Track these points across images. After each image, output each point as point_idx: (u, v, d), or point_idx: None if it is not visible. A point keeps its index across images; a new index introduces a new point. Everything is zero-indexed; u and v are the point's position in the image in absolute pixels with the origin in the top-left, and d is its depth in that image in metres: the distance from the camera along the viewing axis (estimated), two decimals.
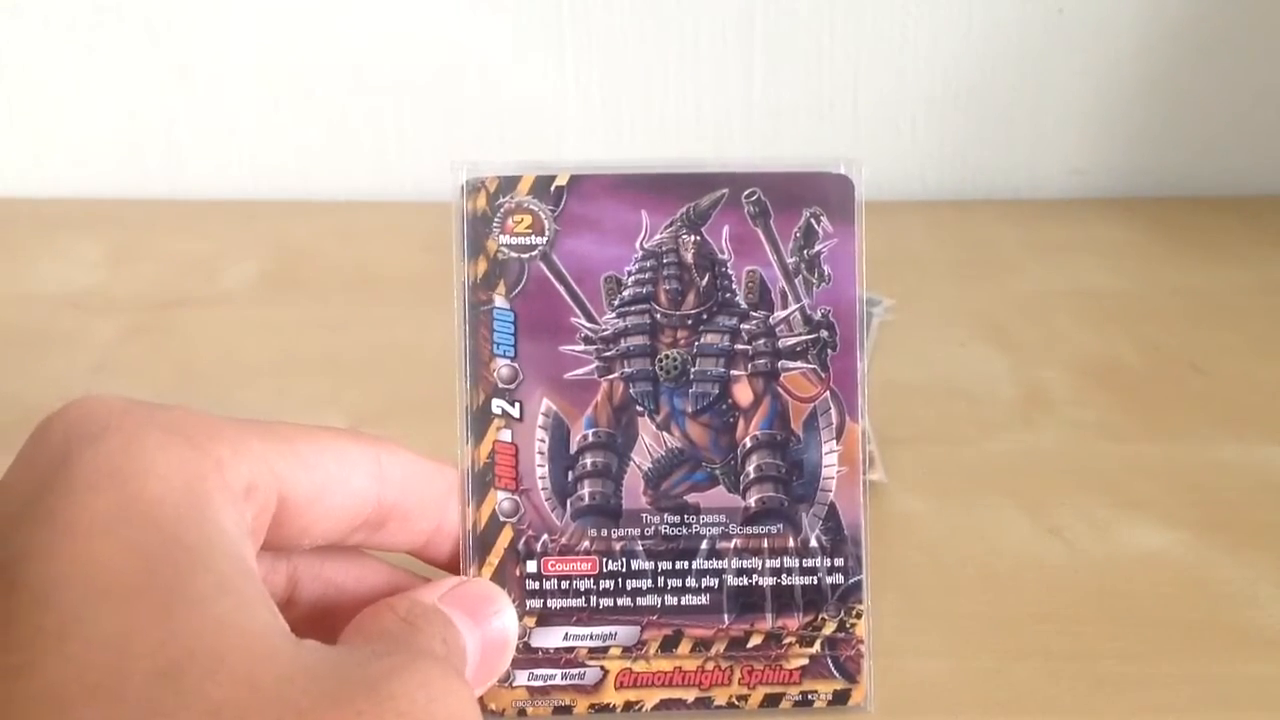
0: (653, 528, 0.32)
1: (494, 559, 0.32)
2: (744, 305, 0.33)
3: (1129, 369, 0.56)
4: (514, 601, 0.31)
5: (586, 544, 0.32)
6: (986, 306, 0.61)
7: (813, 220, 0.32)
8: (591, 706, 0.32)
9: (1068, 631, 0.41)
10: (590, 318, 0.32)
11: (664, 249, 0.33)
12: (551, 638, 0.32)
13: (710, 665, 0.32)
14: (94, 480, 0.24)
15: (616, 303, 0.33)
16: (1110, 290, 0.63)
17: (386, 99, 0.71)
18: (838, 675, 0.32)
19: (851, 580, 0.32)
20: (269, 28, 0.70)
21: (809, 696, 0.32)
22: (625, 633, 0.32)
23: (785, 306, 0.33)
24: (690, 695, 0.32)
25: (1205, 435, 0.52)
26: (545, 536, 0.32)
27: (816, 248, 0.32)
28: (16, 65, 0.71)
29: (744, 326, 0.33)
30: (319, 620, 0.30)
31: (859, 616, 0.32)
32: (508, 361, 0.32)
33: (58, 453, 0.25)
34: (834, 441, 0.33)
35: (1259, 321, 0.60)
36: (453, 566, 0.32)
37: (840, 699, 0.32)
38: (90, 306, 0.61)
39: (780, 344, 0.33)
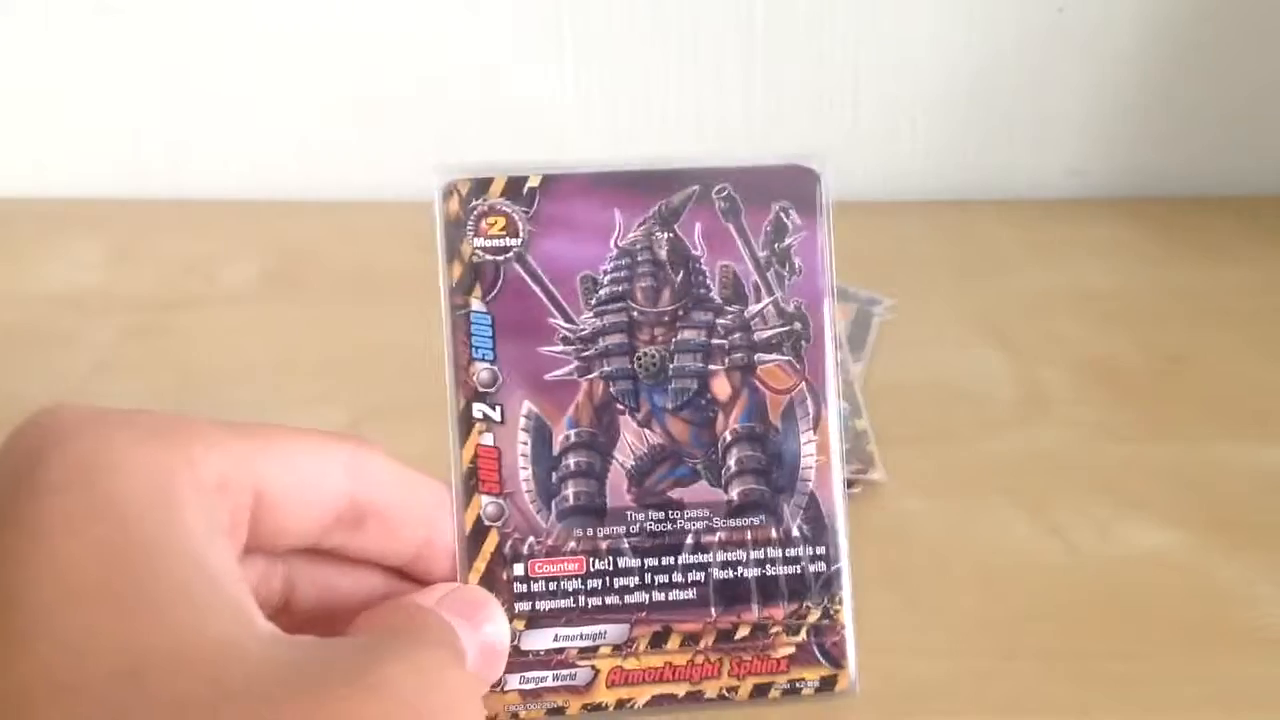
0: (638, 525, 0.32)
1: (481, 564, 0.32)
2: (719, 300, 0.33)
3: (1129, 369, 0.56)
4: (503, 605, 0.31)
5: (573, 544, 0.32)
6: (986, 306, 0.61)
7: (782, 214, 0.33)
8: (584, 706, 0.32)
9: (1068, 631, 0.41)
10: (568, 318, 0.32)
11: (638, 247, 0.33)
12: (541, 640, 0.32)
13: (700, 659, 0.32)
14: (63, 480, 0.24)
15: (593, 302, 0.33)
16: (1110, 290, 0.63)
17: (387, 99, 0.71)
18: (824, 661, 0.33)
19: (833, 568, 0.33)
20: (269, 28, 0.70)
21: (796, 685, 0.33)
22: (614, 631, 0.32)
23: (759, 300, 0.33)
24: (681, 690, 0.32)
25: (1205, 435, 0.52)
26: (531, 539, 0.32)
27: (787, 241, 0.33)
28: (17, 65, 0.71)
29: (719, 321, 0.33)
30: (318, 627, 0.30)
31: (841, 603, 0.33)
32: (487, 365, 0.32)
33: (28, 456, 0.24)
34: (811, 432, 0.33)
35: (1258, 321, 0.60)
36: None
37: (827, 685, 0.33)
38: (90, 306, 0.61)
39: (756, 337, 0.33)
